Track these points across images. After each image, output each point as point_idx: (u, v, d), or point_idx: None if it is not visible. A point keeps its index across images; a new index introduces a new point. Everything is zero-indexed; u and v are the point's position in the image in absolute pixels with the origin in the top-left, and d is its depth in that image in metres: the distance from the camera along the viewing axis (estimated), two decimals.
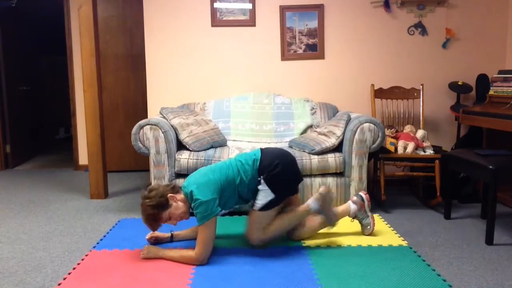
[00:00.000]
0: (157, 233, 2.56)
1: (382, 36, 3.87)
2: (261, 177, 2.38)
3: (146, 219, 2.28)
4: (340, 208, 2.63)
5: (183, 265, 2.24)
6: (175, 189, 2.35)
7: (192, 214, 2.36)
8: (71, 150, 5.50)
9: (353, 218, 2.64)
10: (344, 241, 2.56)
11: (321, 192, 2.55)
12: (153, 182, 3.07)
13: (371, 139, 3.06)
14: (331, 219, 2.56)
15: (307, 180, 3.05)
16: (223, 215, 2.96)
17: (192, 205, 2.25)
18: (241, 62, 3.89)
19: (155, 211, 2.25)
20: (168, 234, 2.57)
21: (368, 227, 2.62)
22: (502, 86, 3.20)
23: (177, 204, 2.30)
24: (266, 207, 2.38)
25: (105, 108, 4.75)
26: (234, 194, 2.39)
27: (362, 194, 2.65)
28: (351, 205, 2.62)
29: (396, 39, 3.88)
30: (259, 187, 2.38)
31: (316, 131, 3.37)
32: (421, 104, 3.64)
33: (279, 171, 2.38)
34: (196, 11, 3.84)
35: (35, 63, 6.20)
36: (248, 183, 2.39)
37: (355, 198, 2.65)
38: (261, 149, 2.50)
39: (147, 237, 2.55)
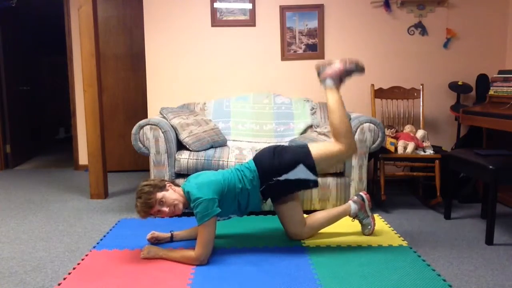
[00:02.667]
0: (157, 233, 2.56)
1: (382, 36, 3.88)
2: (275, 179, 2.36)
3: (139, 197, 2.24)
4: (341, 208, 2.63)
5: (183, 265, 2.24)
6: (175, 183, 2.40)
7: (192, 214, 2.36)
8: (71, 150, 5.50)
9: (354, 218, 2.64)
10: (344, 241, 2.55)
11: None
12: None
13: (371, 139, 3.06)
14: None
15: None
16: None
17: (192, 205, 2.24)
18: (241, 62, 3.89)
19: (150, 189, 2.24)
20: (168, 234, 2.57)
21: (369, 227, 2.63)
22: (502, 86, 3.20)
23: (173, 190, 2.31)
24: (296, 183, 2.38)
25: (105, 108, 4.75)
26: (233, 202, 2.37)
27: (363, 194, 2.66)
28: (351, 205, 2.62)
29: (396, 39, 3.88)
30: (288, 175, 2.35)
31: (316, 131, 3.37)
32: (421, 104, 3.64)
33: (283, 164, 2.37)
34: (196, 11, 3.84)
35: (35, 63, 6.20)
36: (249, 193, 2.38)
37: (355, 198, 2.65)
38: (253, 159, 2.48)
39: (147, 237, 2.55)
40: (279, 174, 2.36)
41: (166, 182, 2.34)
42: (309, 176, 2.37)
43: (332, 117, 2.44)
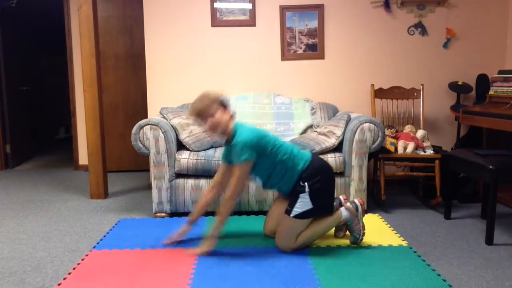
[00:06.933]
0: (175, 235, 2.54)
1: (382, 36, 3.87)
2: (306, 183, 2.35)
3: (201, 99, 2.31)
4: (331, 218, 2.51)
5: (183, 265, 2.23)
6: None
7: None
8: (71, 150, 5.50)
9: (343, 224, 2.54)
10: (344, 241, 2.55)
11: (355, 202, 2.54)
12: (153, 182, 3.07)
13: (371, 139, 3.06)
14: (356, 235, 2.49)
15: None
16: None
17: (234, 141, 2.27)
18: (241, 62, 3.89)
19: (218, 99, 2.32)
20: (184, 227, 2.54)
21: (357, 236, 2.49)
22: (502, 86, 3.20)
23: (228, 117, 2.34)
24: (301, 216, 2.36)
25: (105, 108, 4.75)
26: (269, 167, 2.37)
27: (357, 202, 2.54)
28: (342, 212, 2.49)
29: (396, 39, 3.88)
30: (301, 194, 2.36)
31: (316, 131, 3.37)
32: (421, 104, 3.64)
33: (322, 184, 2.38)
34: (196, 11, 3.84)
35: (35, 63, 6.21)
36: (285, 171, 2.37)
37: (348, 204, 2.53)
38: (312, 155, 2.47)
39: (166, 242, 2.52)
40: (307, 183, 2.36)
41: (229, 105, 2.37)
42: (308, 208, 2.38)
43: (316, 225, 2.45)
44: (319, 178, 2.37)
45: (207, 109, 2.29)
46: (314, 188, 2.35)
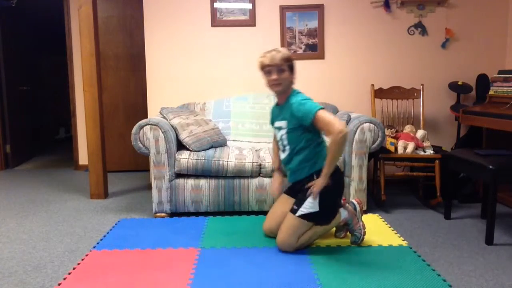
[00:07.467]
0: (276, 189, 2.66)
1: (382, 36, 3.87)
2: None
3: (276, 50, 2.42)
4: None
5: (183, 265, 2.23)
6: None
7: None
8: (71, 150, 5.50)
9: (343, 225, 2.56)
10: (344, 241, 2.55)
11: (352, 202, 2.56)
12: (153, 182, 3.07)
13: (371, 139, 3.06)
14: (357, 234, 2.49)
15: None
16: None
17: (292, 100, 2.36)
18: (241, 62, 3.89)
19: (291, 60, 2.43)
20: (278, 177, 2.68)
21: (358, 235, 2.50)
22: (502, 86, 3.20)
23: (292, 78, 2.45)
24: (306, 217, 2.35)
25: (105, 108, 4.75)
26: (301, 139, 2.40)
27: (355, 201, 2.58)
28: (341, 212, 2.51)
29: (396, 39, 3.88)
30: (310, 196, 2.35)
31: None
32: (421, 104, 3.64)
33: (333, 188, 2.37)
34: (196, 11, 3.84)
35: (35, 63, 6.21)
36: (311, 156, 2.40)
37: (346, 205, 2.55)
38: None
39: (275, 194, 2.69)
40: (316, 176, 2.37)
41: (295, 71, 2.47)
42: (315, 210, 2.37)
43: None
44: (333, 182, 2.35)
45: (280, 63, 2.37)
46: (324, 188, 2.33)
